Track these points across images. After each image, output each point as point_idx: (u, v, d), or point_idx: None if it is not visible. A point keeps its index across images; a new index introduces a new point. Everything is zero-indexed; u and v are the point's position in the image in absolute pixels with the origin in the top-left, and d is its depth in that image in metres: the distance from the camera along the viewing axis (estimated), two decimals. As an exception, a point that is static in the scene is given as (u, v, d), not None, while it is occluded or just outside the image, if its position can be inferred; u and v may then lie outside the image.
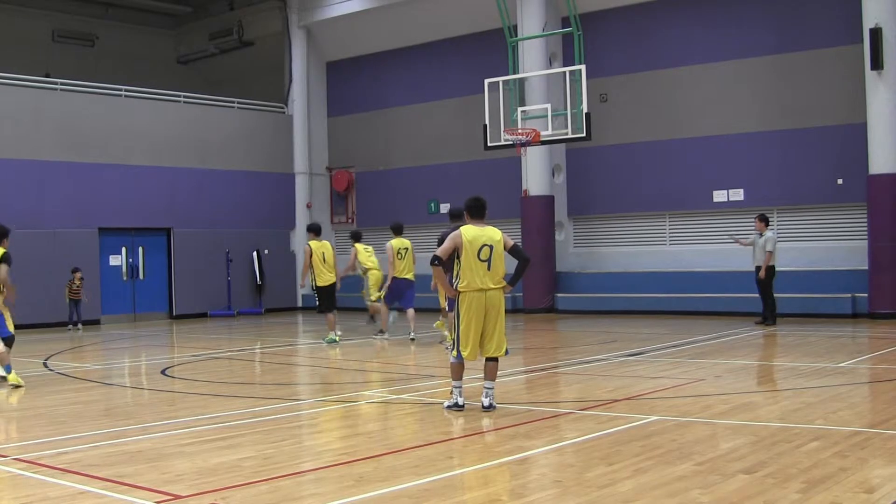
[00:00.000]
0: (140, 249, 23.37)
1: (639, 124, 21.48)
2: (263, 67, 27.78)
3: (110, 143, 22.51)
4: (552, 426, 7.80)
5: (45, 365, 13.43)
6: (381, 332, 15.79)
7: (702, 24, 20.81)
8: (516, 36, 20.15)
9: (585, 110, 17.14)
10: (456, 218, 12.37)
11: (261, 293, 25.18)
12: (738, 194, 20.14)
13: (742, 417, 7.81)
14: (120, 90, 23.18)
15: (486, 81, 18.18)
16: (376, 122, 26.13)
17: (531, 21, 21.35)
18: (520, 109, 18.10)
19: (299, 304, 25.86)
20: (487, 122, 18.27)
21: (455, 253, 8.34)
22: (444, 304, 14.10)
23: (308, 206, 26.45)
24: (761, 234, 16.61)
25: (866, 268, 17.89)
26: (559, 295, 21.87)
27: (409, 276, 15.38)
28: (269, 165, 25.78)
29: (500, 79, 18.19)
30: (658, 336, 15.50)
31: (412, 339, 15.34)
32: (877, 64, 17.15)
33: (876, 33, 17.11)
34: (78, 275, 20.45)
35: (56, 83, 22.23)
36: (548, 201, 21.75)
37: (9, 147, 20.75)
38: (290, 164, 26.32)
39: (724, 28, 20.42)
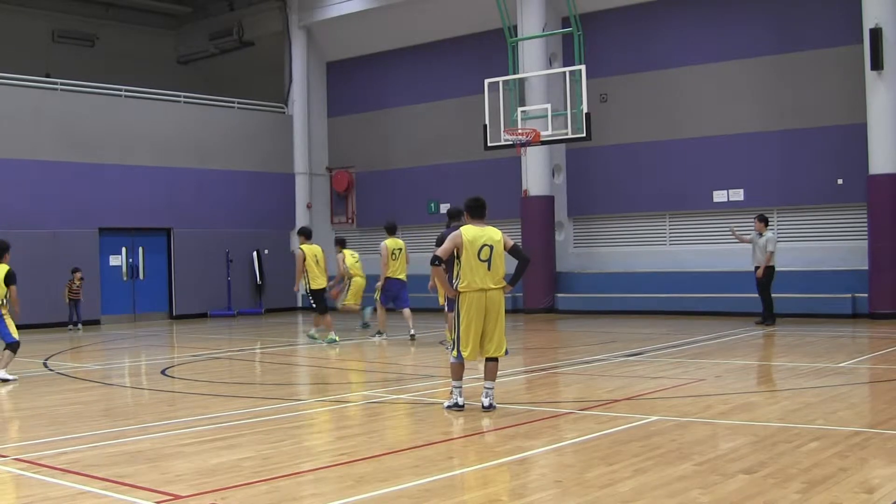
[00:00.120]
0: (140, 249, 23.37)
1: (639, 124, 21.48)
2: (263, 67, 27.78)
3: (110, 143, 22.51)
4: (552, 426, 7.80)
5: (45, 365, 13.43)
6: (380, 332, 15.80)
7: (702, 24, 20.81)
8: (516, 36, 20.15)
9: (585, 110, 17.14)
10: (454, 218, 12.39)
11: (261, 293, 25.18)
12: (738, 194, 20.14)
13: (742, 417, 7.81)
14: (120, 90, 23.18)
15: (486, 81, 18.17)
16: (376, 122, 26.13)
17: (531, 21, 21.35)
18: (520, 109, 18.09)
19: (299, 304, 25.82)
20: (487, 122, 18.26)
21: (455, 253, 8.34)
22: (443, 301, 14.16)
23: (308, 207, 26.45)
24: (761, 235, 16.60)
25: (866, 268, 17.88)
26: (559, 295, 21.87)
27: (403, 276, 15.55)
28: (269, 165, 25.78)
29: (500, 79, 18.18)
30: (658, 336, 15.50)
31: (412, 336, 15.41)
32: (877, 64, 17.15)
33: (876, 33, 17.11)
34: (78, 275, 20.46)
35: (56, 83, 22.23)
36: (548, 201, 21.75)
37: (9, 147, 20.75)
38: (290, 164, 26.32)
39: (724, 28, 20.42)
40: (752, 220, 17.19)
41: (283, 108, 26.60)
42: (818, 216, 19.48)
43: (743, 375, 11.01)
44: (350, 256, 17.43)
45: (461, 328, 8.27)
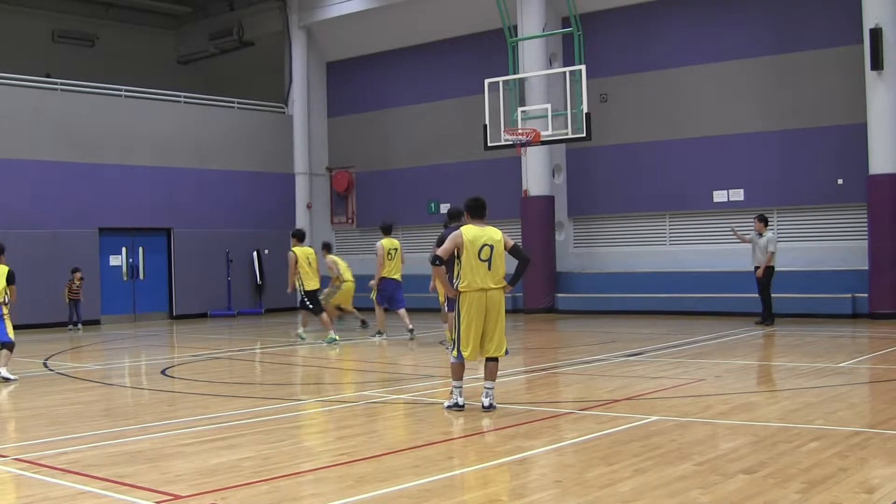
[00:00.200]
0: (140, 249, 23.37)
1: (639, 124, 21.48)
2: (263, 67, 27.78)
3: (110, 143, 22.51)
4: (552, 426, 7.80)
5: (45, 365, 13.42)
6: (380, 332, 15.81)
7: (702, 24, 20.81)
8: (516, 36, 20.14)
9: (585, 110, 17.13)
10: (455, 218, 12.38)
11: (261, 293, 25.17)
12: (738, 194, 20.13)
13: (742, 417, 7.81)
14: (120, 90, 23.18)
15: (486, 81, 18.17)
16: (376, 122, 26.12)
17: (531, 21, 21.35)
18: (520, 109, 18.09)
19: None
20: (487, 122, 18.26)
21: (455, 253, 8.35)
22: (443, 300, 14.18)
23: (308, 207, 26.44)
24: (761, 235, 16.60)
25: (866, 268, 17.88)
26: (559, 295, 21.87)
27: (398, 276, 15.61)
28: (269, 165, 25.77)
29: (500, 79, 18.17)
30: (658, 336, 15.50)
31: (410, 330, 15.51)
32: (877, 64, 17.14)
33: (876, 33, 17.11)
34: (78, 275, 20.46)
35: (56, 83, 22.23)
36: (548, 201, 21.75)
37: (9, 147, 20.74)
38: (290, 164, 26.31)
39: (724, 28, 20.42)
40: (752, 220, 17.19)
41: (283, 108, 26.60)
42: (818, 216, 19.47)
43: (743, 375, 11.01)
44: (342, 262, 17.79)
45: (461, 328, 8.27)
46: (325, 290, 17.37)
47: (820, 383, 9.76)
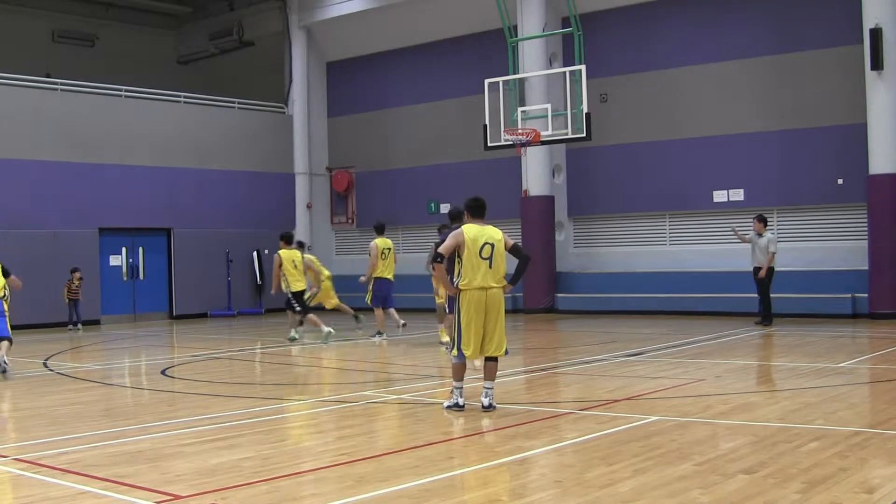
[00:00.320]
0: (140, 249, 23.37)
1: (639, 124, 21.48)
2: (263, 67, 27.78)
3: (110, 143, 22.50)
4: (552, 426, 7.80)
5: (45, 365, 13.42)
6: (380, 332, 15.81)
7: (702, 24, 20.81)
8: (516, 36, 20.14)
9: (585, 110, 17.13)
10: (455, 219, 12.38)
11: (261, 293, 25.16)
12: (738, 194, 20.13)
13: (742, 417, 7.81)
14: (120, 90, 23.17)
15: (486, 81, 18.17)
16: (376, 122, 26.13)
17: (531, 21, 21.35)
18: (520, 109, 18.09)
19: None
20: (487, 122, 18.26)
21: (456, 252, 8.36)
22: (439, 301, 14.27)
23: (308, 207, 26.44)
24: (760, 235, 16.60)
25: (866, 268, 17.88)
26: (559, 295, 21.87)
27: (391, 276, 15.72)
28: (269, 165, 25.77)
29: (500, 79, 18.18)
30: (658, 336, 15.50)
31: (403, 325, 15.75)
32: (877, 64, 17.15)
33: (876, 33, 17.11)
34: (77, 275, 20.45)
35: (56, 83, 22.23)
36: (548, 201, 21.75)
37: (9, 147, 20.74)
38: (290, 164, 26.30)
39: (724, 28, 20.42)
40: (752, 220, 17.18)
41: (283, 108, 26.60)
42: (818, 216, 19.47)
43: (743, 375, 11.01)
44: (315, 259, 17.87)
45: (462, 326, 8.27)
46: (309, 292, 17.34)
47: (820, 383, 9.76)
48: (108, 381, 12.16)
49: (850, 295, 18.10)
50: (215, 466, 6.39)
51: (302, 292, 15.95)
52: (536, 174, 21.60)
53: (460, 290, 8.30)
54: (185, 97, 24.47)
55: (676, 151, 20.98)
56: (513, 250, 8.51)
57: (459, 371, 8.39)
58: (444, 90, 24.52)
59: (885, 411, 8.17)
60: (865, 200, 18.04)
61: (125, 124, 22.81)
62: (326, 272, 18.11)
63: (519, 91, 18.49)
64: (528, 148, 18.65)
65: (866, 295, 17.77)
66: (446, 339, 14.46)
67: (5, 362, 11.69)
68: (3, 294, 12.07)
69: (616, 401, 8.85)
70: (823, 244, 19.29)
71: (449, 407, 8.40)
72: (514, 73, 18.64)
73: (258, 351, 15.78)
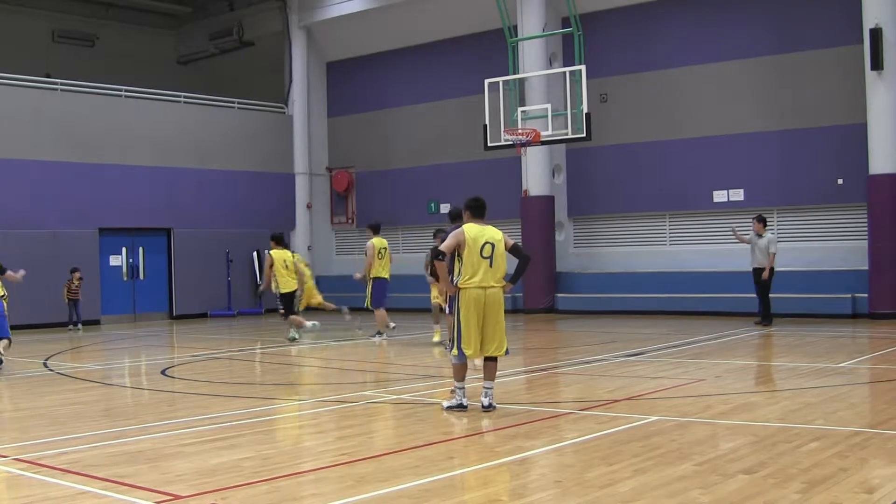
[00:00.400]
0: (140, 249, 23.37)
1: (639, 124, 21.48)
2: (263, 67, 27.78)
3: (110, 143, 22.50)
4: (552, 426, 7.80)
5: (45, 365, 13.42)
6: (380, 333, 15.81)
7: (702, 24, 20.81)
8: (516, 36, 20.14)
9: (585, 110, 17.13)
10: (456, 219, 12.38)
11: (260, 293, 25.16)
12: (738, 194, 20.14)
13: (742, 417, 7.81)
14: (120, 90, 23.17)
15: (486, 81, 18.17)
16: (376, 122, 26.13)
17: (531, 21, 21.35)
18: (520, 109, 18.09)
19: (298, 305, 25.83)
20: (487, 122, 18.26)
21: (455, 251, 8.37)
22: (434, 301, 14.32)
23: (308, 207, 26.44)
24: (760, 236, 16.59)
25: (866, 268, 17.88)
26: (559, 295, 21.87)
27: (388, 275, 15.75)
28: (269, 165, 25.77)
29: (500, 79, 18.18)
30: (658, 336, 15.50)
31: (393, 328, 16.03)
32: (877, 64, 17.15)
33: (876, 33, 17.11)
34: (76, 275, 20.45)
35: (56, 83, 22.23)
36: (548, 201, 21.75)
37: (9, 147, 20.74)
38: (290, 164, 26.30)
39: (724, 28, 20.42)
40: (752, 220, 17.17)
41: (283, 108, 26.60)
42: (818, 216, 19.47)
43: (743, 375, 11.01)
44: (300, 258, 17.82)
45: (461, 325, 8.27)
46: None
47: (820, 383, 9.76)
48: (108, 381, 12.16)
49: (850, 295, 18.10)
50: (215, 466, 6.39)
51: (292, 294, 16.01)
52: (536, 174, 21.60)
53: (460, 289, 8.30)
54: (185, 97, 24.46)
55: (676, 151, 20.98)
56: (513, 250, 8.52)
57: (461, 371, 8.39)
58: (444, 90, 24.52)
59: (885, 411, 8.17)
60: (865, 200, 18.04)
61: (125, 124, 22.81)
62: (308, 271, 17.86)
63: (519, 91, 18.49)
64: (528, 148, 18.65)
65: (866, 295, 17.77)
66: (437, 338, 14.50)
67: (0, 359, 11.79)
68: (2, 294, 12.21)
69: (616, 401, 8.85)
70: (823, 244, 19.29)
71: (451, 407, 8.38)
72: (514, 73, 18.63)
73: (258, 351, 15.79)
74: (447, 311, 13.04)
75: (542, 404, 9.01)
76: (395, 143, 25.73)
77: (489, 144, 18.41)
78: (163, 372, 12.37)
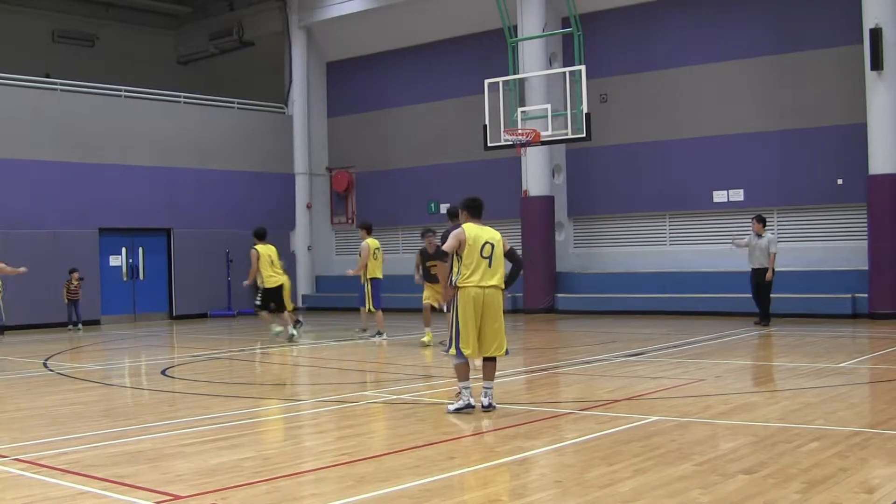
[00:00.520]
0: (140, 250, 23.36)
1: (639, 124, 21.48)
2: (263, 67, 27.78)
3: (110, 143, 22.50)
4: (552, 426, 7.79)
5: (45, 365, 13.42)
6: (380, 333, 15.81)
7: (702, 24, 20.81)
8: (516, 36, 20.15)
9: (585, 110, 17.13)
10: (455, 217, 12.39)
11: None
12: (738, 194, 20.14)
13: (742, 417, 7.81)
14: (120, 90, 23.17)
15: (486, 81, 18.17)
16: (376, 122, 26.13)
17: (531, 21, 21.36)
18: (520, 109, 18.09)
19: (299, 304, 25.83)
20: (487, 122, 18.26)
21: (454, 251, 8.36)
22: (426, 302, 14.30)
23: (308, 207, 26.44)
24: (759, 236, 16.57)
25: (866, 268, 17.88)
26: (559, 295, 21.87)
27: (381, 275, 15.84)
28: (268, 166, 25.77)
29: (500, 79, 18.17)
30: (658, 336, 15.50)
31: (366, 331, 16.18)
32: (877, 64, 17.15)
33: (876, 33, 17.11)
34: (76, 275, 20.46)
35: (56, 83, 22.23)
36: (548, 201, 21.76)
37: (9, 147, 20.74)
38: (290, 164, 26.30)
39: (724, 28, 20.42)
40: (751, 220, 17.14)
41: (283, 108, 26.60)
42: (818, 216, 19.48)
43: (743, 375, 11.01)
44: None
45: (459, 324, 8.25)
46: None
47: (820, 383, 9.76)
48: (109, 381, 12.16)
49: (850, 295, 18.10)
50: (216, 466, 6.39)
51: (277, 289, 16.06)
52: (536, 174, 21.61)
53: (458, 288, 8.30)
54: (185, 97, 24.46)
55: (676, 151, 20.99)
56: (508, 254, 8.53)
57: (464, 371, 8.33)
58: (444, 90, 24.52)
59: (885, 411, 8.16)
60: (865, 200, 18.04)
61: (125, 124, 22.81)
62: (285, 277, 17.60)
63: (519, 91, 18.48)
64: (527, 148, 18.65)
65: (866, 295, 17.77)
66: (426, 339, 14.51)
67: None
68: None
69: (616, 401, 8.84)
70: (823, 244, 19.29)
71: (458, 409, 8.21)
72: (514, 74, 18.63)
73: (258, 351, 15.78)
74: (445, 310, 13.08)
75: (542, 404, 9.01)
76: (395, 143, 25.74)
77: (489, 144, 18.41)
78: (163, 372, 12.36)
